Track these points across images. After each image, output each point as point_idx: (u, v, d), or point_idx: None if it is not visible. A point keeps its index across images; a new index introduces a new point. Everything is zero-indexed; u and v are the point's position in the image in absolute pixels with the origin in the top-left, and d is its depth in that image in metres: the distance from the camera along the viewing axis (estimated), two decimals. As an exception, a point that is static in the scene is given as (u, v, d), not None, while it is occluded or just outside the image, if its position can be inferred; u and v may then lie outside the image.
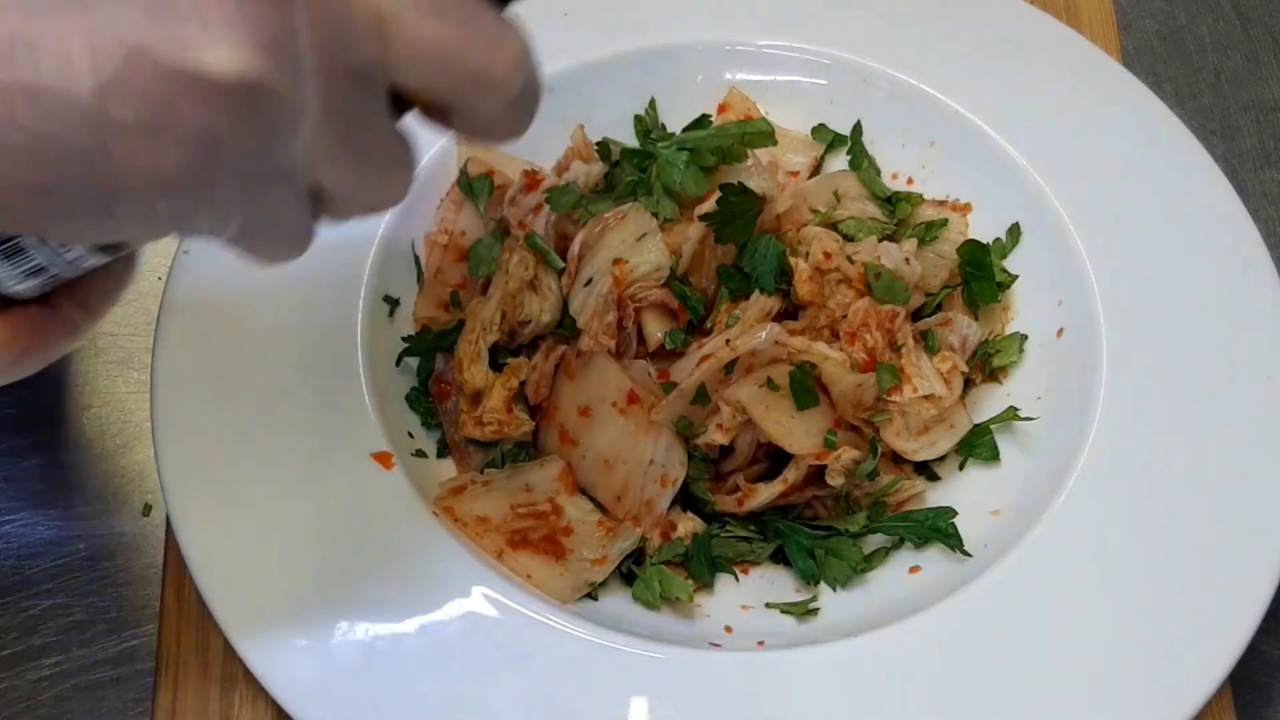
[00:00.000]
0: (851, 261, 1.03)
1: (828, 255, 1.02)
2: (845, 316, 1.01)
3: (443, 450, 1.04)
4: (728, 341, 0.98)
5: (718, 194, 1.01)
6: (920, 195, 1.15)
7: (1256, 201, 1.19)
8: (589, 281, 1.01)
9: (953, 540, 0.98)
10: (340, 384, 1.00)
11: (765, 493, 0.99)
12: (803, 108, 1.18)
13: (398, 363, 1.05)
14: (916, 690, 0.89)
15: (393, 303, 1.06)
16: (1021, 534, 0.96)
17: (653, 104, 1.18)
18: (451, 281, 1.09)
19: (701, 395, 0.99)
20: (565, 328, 1.03)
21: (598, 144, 1.13)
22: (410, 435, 1.03)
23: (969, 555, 0.98)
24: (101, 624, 0.97)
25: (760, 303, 1.01)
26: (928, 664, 0.90)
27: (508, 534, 0.96)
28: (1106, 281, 1.06)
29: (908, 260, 1.05)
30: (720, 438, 0.99)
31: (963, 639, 0.91)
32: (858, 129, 1.18)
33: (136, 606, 0.98)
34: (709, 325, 1.03)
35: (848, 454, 0.98)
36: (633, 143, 1.16)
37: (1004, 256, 1.12)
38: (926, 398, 1.01)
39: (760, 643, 0.94)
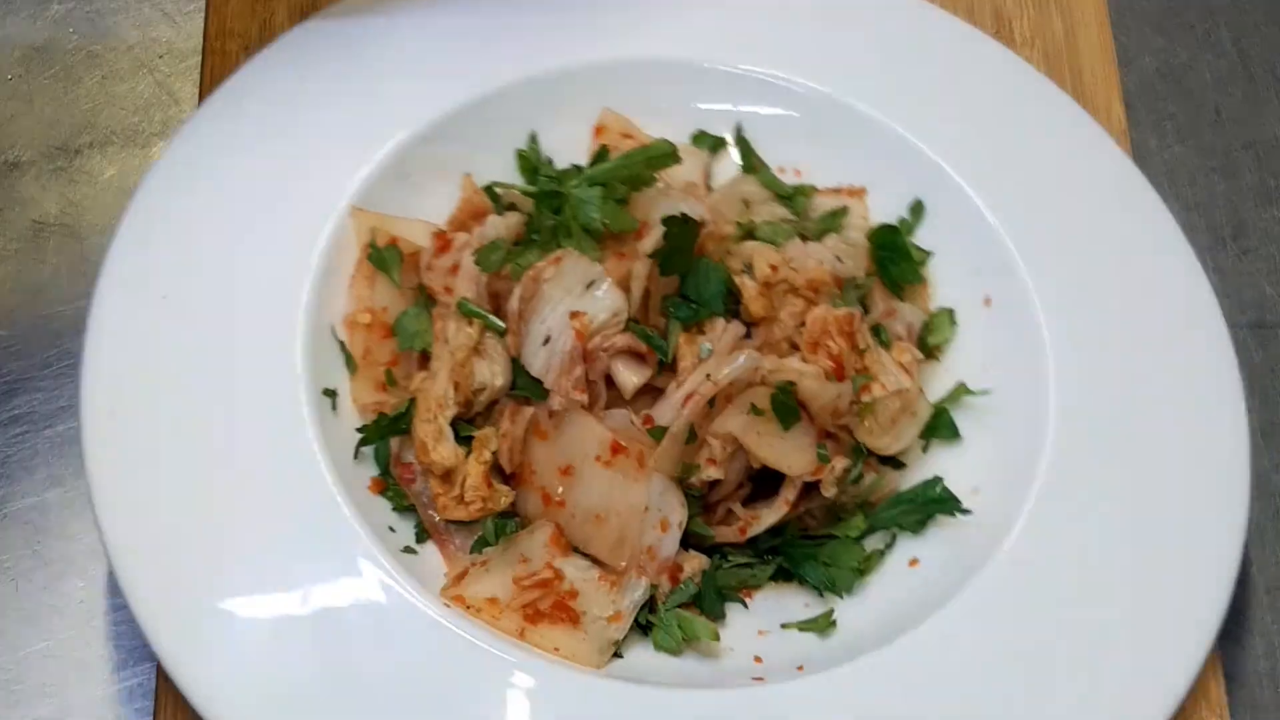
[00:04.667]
0: (795, 270, 1.03)
1: (774, 268, 1.02)
2: (802, 326, 1.01)
3: (421, 535, 1.00)
4: (708, 376, 0.97)
5: (659, 229, 1.00)
6: (813, 186, 1.15)
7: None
8: (547, 340, 0.98)
9: (950, 504, 1.00)
10: (310, 495, 0.95)
11: (769, 517, 0.99)
12: (676, 119, 1.17)
13: (355, 455, 1.01)
14: (959, 686, 0.91)
15: (332, 395, 1.02)
16: (1016, 509, 0.98)
17: (534, 138, 1.15)
18: (382, 360, 1.04)
19: (690, 436, 0.97)
20: (519, 388, 1.00)
21: (485, 189, 1.10)
22: (392, 530, 0.99)
23: (968, 511, 1.00)
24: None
25: (730, 330, 1.00)
26: (965, 656, 0.92)
27: (521, 610, 0.94)
28: (1023, 241, 1.08)
29: (840, 259, 1.06)
30: (715, 472, 0.98)
31: (992, 628, 0.93)
32: (739, 130, 1.17)
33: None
34: (672, 359, 1.01)
35: (840, 464, 0.99)
36: (517, 179, 1.13)
37: (910, 234, 1.13)
38: (896, 393, 1.01)
39: (800, 667, 0.94)
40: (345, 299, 1.05)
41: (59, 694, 0.95)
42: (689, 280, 1.01)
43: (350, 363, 1.03)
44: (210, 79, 1.21)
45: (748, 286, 1.01)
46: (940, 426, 1.06)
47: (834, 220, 1.12)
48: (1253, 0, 1.32)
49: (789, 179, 1.16)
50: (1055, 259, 1.08)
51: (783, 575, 1.02)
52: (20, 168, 1.19)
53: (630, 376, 0.99)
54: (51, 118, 1.22)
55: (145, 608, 0.87)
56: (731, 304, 1.02)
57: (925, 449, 1.06)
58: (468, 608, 0.93)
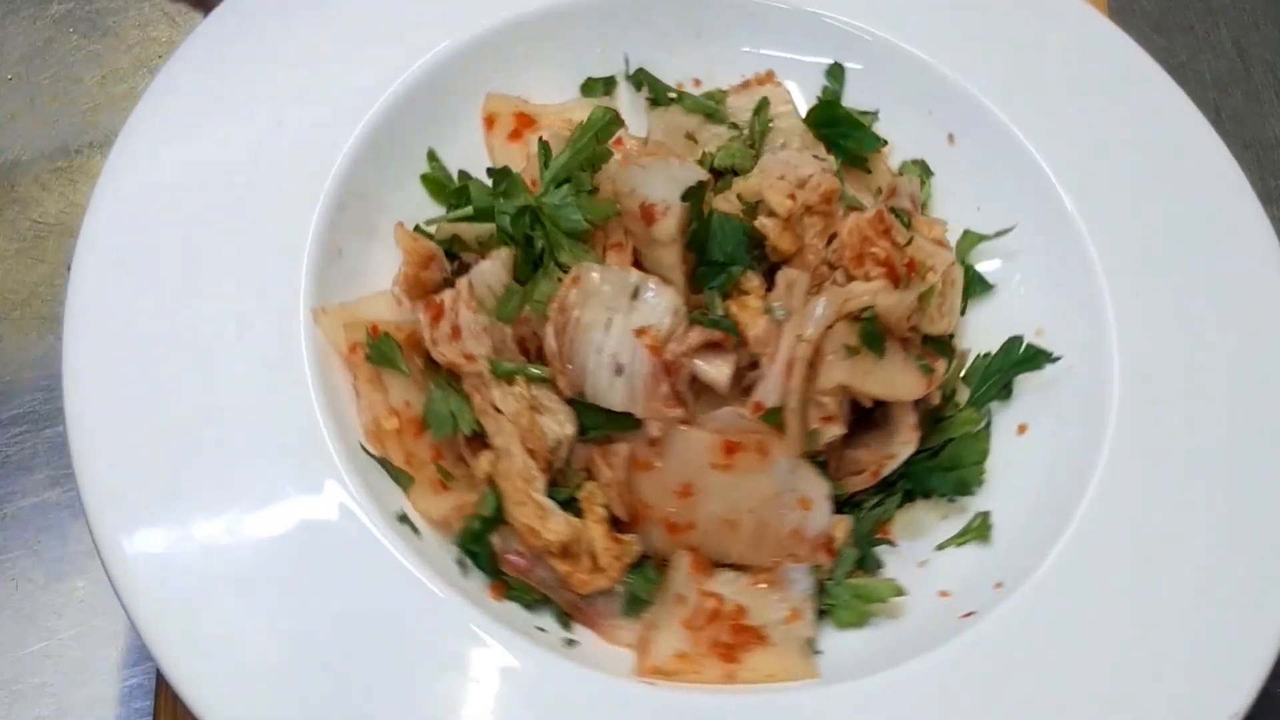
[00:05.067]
0: (806, 191, 0.96)
1: (793, 197, 0.95)
2: (830, 240, 0.96)
3: (565, 622, 0.91)
4: (799, 337, 0.90)
5: (674, 208, 0.91)
6: (720, 90, 1.09)
7: None
8: (619, 369, 0.89)
9: (1039, 357, 0.97)
10: (443, 629, 0.83)
11: (903, 450, 0.94)
12: (557, 74, 1.08)
13: (465, 572, 0.90)
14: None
15: (406, 521, 0.89)
16: (1099, 334, 0.96)
17: (432, 154, 1.04)
18: (426, 457, 0.92)
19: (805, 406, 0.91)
20: (594, 428, 0.91)
21: (416, 229, 0.99)
22: (542, 630, 0.89)
23: (1059, 357, 0.97)
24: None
25: (798, 283, 0.93)
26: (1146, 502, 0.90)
27: (713, 653, 0.87)
28: (973, 72, 1.05)
29: (818, 157, 1.00)
30: (837, 429, 0.92)
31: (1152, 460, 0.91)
32: (627, 61, 1.10)
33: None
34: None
35: (941, 368, 0.95)
36: (436, 210, 1.03)
37: (837, 99, 1.08)
38: (943, 275, 0.98)
39: (998, 584, 0.89)
40: (356, 414, 0.92)
41: (59, 694, 0.95)
42: (710, 244, 0.94)
43: (402, 478, 0.91)
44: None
45: (769, 226, 0.95)
46: (971, 283, 1.02)
47: (763, 115, 1.06)
48: (1253, 0, 1.32)
49: (690, 90, 1.10)
50: (1005, 75, 1.05)
51: (904, 497, 0.97)
52: (20, 168, 1.19)
53: (719, 371, 0.91)
54: (51, 118, 1.22)
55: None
56: (754, 249, 0.95)
57: (963, 311, 1.02)
58: (667, 674, 0.86)
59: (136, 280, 0.90)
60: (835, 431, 0.92)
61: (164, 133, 0.95)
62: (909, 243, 0.97)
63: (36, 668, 0.96)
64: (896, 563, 0.94)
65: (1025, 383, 0.99)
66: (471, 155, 1.05)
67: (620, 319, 0.90)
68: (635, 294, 0.90)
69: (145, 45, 1.26)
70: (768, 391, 0.91)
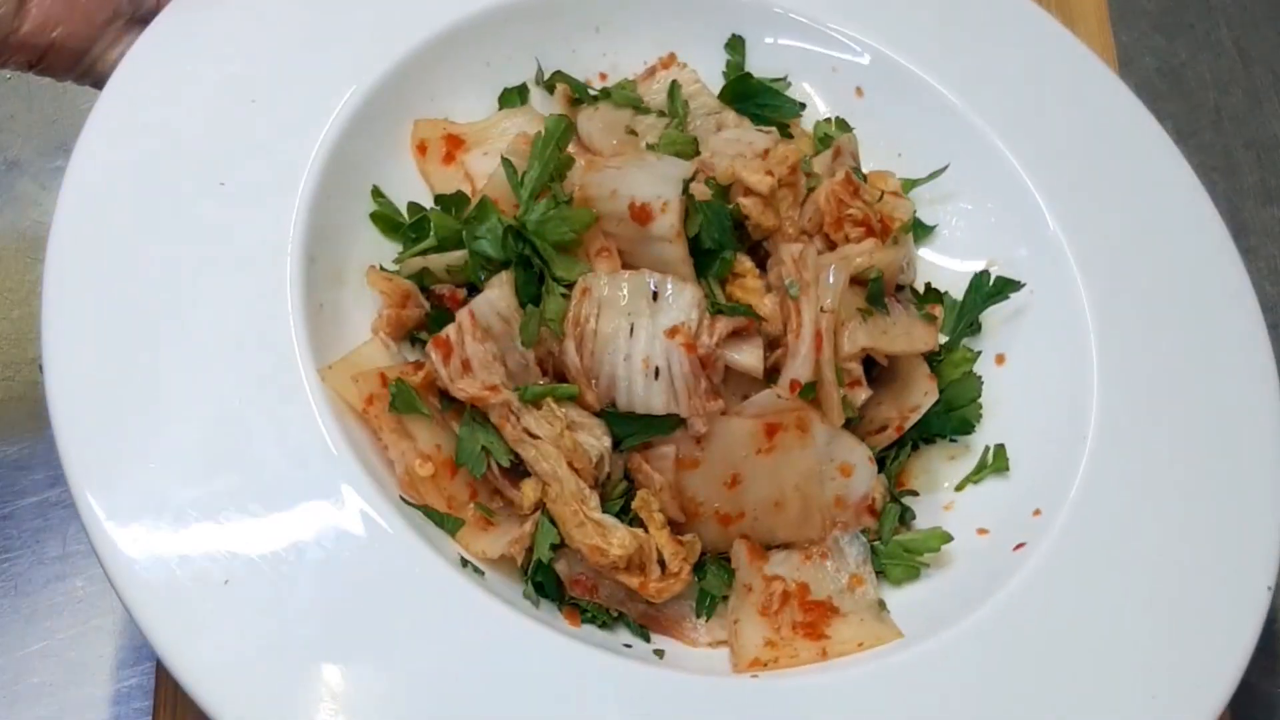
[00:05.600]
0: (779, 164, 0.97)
1: (771, 173, 0.95)
2: (803, 213, 0.97)
3: (644, 634, 0.90)
4: (822, 309, 0.91)
5: (672, 204, 0.90)
6: (627, 80, 1.09)
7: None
8: (656, 373, 0.88)
9: (1007, 286, 0.99)
10: (549, 659, 0.81)
11: (925, 401, 0.96)
12: (472, 89, 1.07)
13: (536, 604, 0.88)
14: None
15: (465, 562, 0.87)
16: (1054, 256, 1.00)
17: (377, 190, 1.00)
18: (465, 498, 0.91)
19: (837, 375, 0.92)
20: (630, 437, 0.90)
21: (384, 270, 0.97)
22: (629, 646, 0.89)
23: (1023, 284, 1.00)
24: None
25: (806, 254, 0.93)
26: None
27: (796, 632, 0.88)
28: (861, 17, 1.08)
29: (760, 129, 1.02)
30: (864, 392, 0.93)
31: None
32: (540, 67, 1.09)
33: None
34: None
35: (939, 313, 0.99)
36: (389, 248, 1.00)
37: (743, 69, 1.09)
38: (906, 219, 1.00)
39: (1036, 511, 0.92)
40: (387, 466, 0.89)
41: (59, 694, 0.95)
42: (700, 234, 0.93)
43: (449, 521, 0.88)
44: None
45: (749, 206, 0.95)
46: (915, 228, 1.04)
47: (677, 99, 1.06)
48: (1253, 0, 1.32)
49: (598, 85, 1.10)
50: (912, 29, 1.08)
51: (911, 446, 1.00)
52: (20, 167, 1.19)
53: (751, 355, 0.91)
54: (51, 117, 1.22)
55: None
56: (737, 231, 0.96)
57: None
58: (765, 665, 0.86)
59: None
60: (863, 395, 0.93)
61: (101, 200, 0.90)
62: (880, 199, 0.98)
63: (35, 667, 0.96)
64: (924, 511, 0.96)
65: (992, 315, 1.02)
66: (410, 186, 1.02)
67: (645, 322, 0.89)
68: (655, 296, 0.90)
69: (145, 45, 1.26)
70: (799, 368, 0.91)
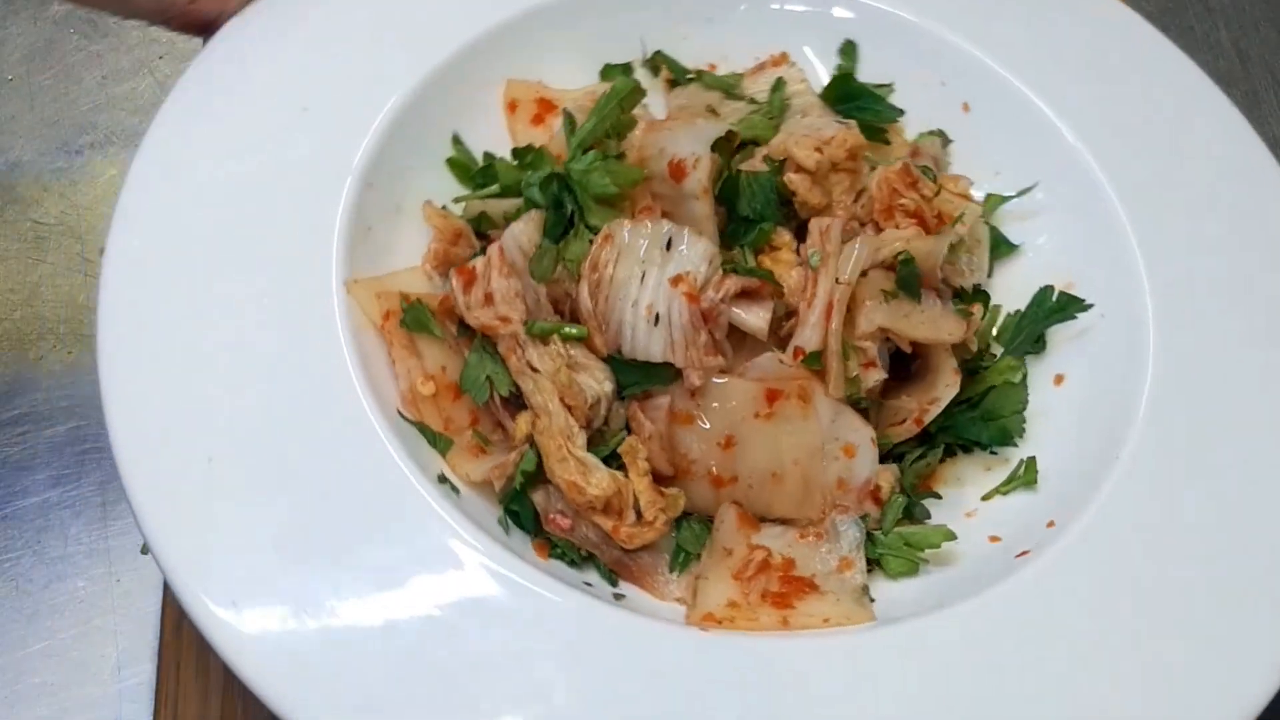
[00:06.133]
0: (834, 147, 0.97)
1: (820, 150, 0.96)
2: (858, 200, 0.97)
3: (611, 578, 0.90)
4: (837, 280, 0.90)
5: (703, 160, 0.92)
6: (735, 74, 1.10)
7: None
8: (656, 319, 0.89)
9: (1072, 305, 0.96)
10: (503, 583, 0.81)
11: (946, 393, 0.93)
12: (574, 61, 1.10)
13: (507, 530, 0.89)
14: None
15: (446, 481, 0.89)
16: (1131, 284, 0.96)
17: (457, 139, 1.05)
18: (464, 423, 0.93)
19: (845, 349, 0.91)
20: (631, 385, 0.91)
21: (442, 209, 1.01)
22: (589, 585, 0.89)
23: (1091, 304, 0.97)
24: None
25: (833, 227, 0.93)
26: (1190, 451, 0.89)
27: (764, 600, 0.86)
28: (980, 35, 1.06)
29: (840, 121, 1.01)
30: (878, 374, 0.91)
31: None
32: (644, 46, 1.11)
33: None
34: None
35: (979, 312, 0.95)
36: (459, 189, 1.04)
37: (854, 74, 1.09)
38: (970, 230, 0.99)
39: (1050, 523, 0.89)
40: (392, 380, 0.92)
41: (60, 694, 0.95)
42: (739, 201, 0.95)
43: (439, 440, 0.90)
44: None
45: (797, 182, 0.95)
46: (996, 244, 1.03)
47: (780, 94, 1.07)
48: (1253, 0, 1.33)
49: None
50: (1012, 41, 1.06)
51: (945, 451, 0.97)
52: (20, 168, 1.19)
53: (757, 316, 0.91)
54: (51, 118, 1.22)
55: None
56: (783, 206, 0.96)
57: (990, 273, 1.03)
58: (720, 622, 0.85)
59: (169, 262, 0.90)
60: (876, 376, 0.91)
61: (195, 118, 0.97)
62: (937, 194, 0.97)
63: (36, 667, 0.96)
64: (943, 514, 0.94)
65: (1059, 335, 0.99)
66: (494, 141, 1.06)
67: (655, 270, 0.90)
68: (669, 245, 0.90)
69: (145, 45, 1.26)
70: (807, 336, 0.91)
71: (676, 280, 0.89)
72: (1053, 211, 1.03)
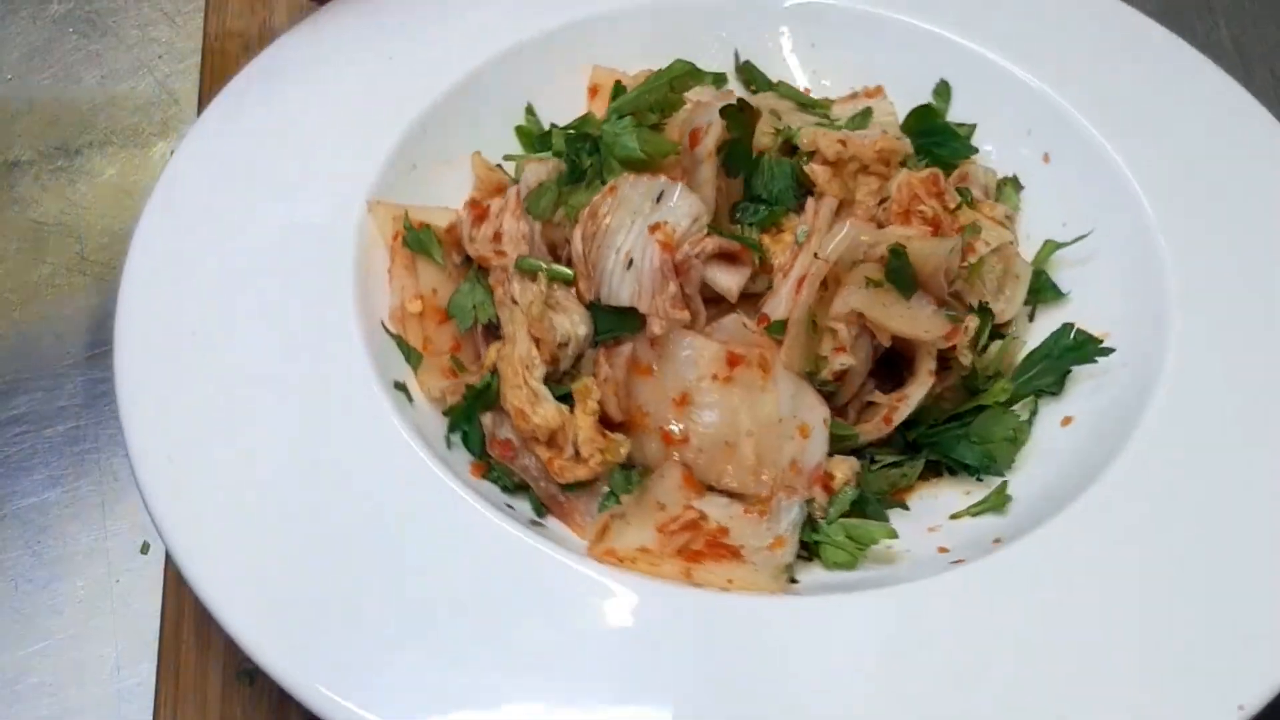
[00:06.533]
0: (862, 146, 0.98)
1: (843, 143, 0.96)
2: (883, 203, 0.96)
3: (540, 510, 0.91)
4: (815, 255, 0.90)
5: (715, 126, 0.93)
6: (828, 98, 1.11)
7: None
8: (630, 264, 0.90)
9: (1089, 346, 0.94)
10: (419, 488, 0.85)
11: (916, 394, 0.91)
12: (666, 62, 1.09)
13: (448, 444, 0.92)
14: (1147, 536, 0.84)
15: (402, 389, 0.92)
16: (1159, 343, 0.93)
17: (530, 110, 1.10)
18: (444, 347, 0.96)
19: (811, 324, 0.90)
20: (604, 332, 0.92)
21: (498, 165, 1.05)
22: (510, 507, 0.90)
23: (1111, 350, 0.94)
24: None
25: (824, 205, 0.94)
26: (1148, 506, 0.85)
27: (676, 554, 0.85)
28: (1069, 92, 1.05)
29: (888, 133, 1.02)
30: (846, 359, 0.90)
31: (1169, 470, 0.87)
32: (738, 56, 1.13)
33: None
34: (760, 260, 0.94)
35: (971, 323, 0.93)
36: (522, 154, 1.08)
37: (944, 115, 1.09)
38: (996, 250, 0.97)
39: (996, 540, 0.86)
40: (388, 293, 0.97)
41: (59, 694, 0.95)
42: (755, 180, 0.96)
43: (412, 355, 0.94)
44: (210, 79, 1.19)
45: (818, 172, 0.96)
46: (1042, 289, 1.01)
47: (863, 121, 1.08)
48: (1252, 0, 1.32)
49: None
50: (1104, 99, 1.05)
51: (930, 471, 0.95)
52: (20, 168, 1.19)
53: (730, 278, 0.91)
54: (51, 118, 1.22)
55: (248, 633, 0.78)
56: (802, 198, 0.97)
57: (1032, 317, 1.01)
58: (621, 560, 0.84)
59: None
60: (844, 361, 0.90)
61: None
62: (958, 207, 0.97)
63: (36, 668, 0.95)
64: (905, 525, 0.91)
65: (1080, 381, 0.97)
66: (570, 117, 1.10)
67: (641, 220, 0.91)
68: (660, 197, 0.92)
69: (145, 45, 1.26)
70: (775, 305, 0.91)
71: (655, 228, 0.90)
72: (1107, 268, 1.01)
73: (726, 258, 0.92)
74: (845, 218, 0.95)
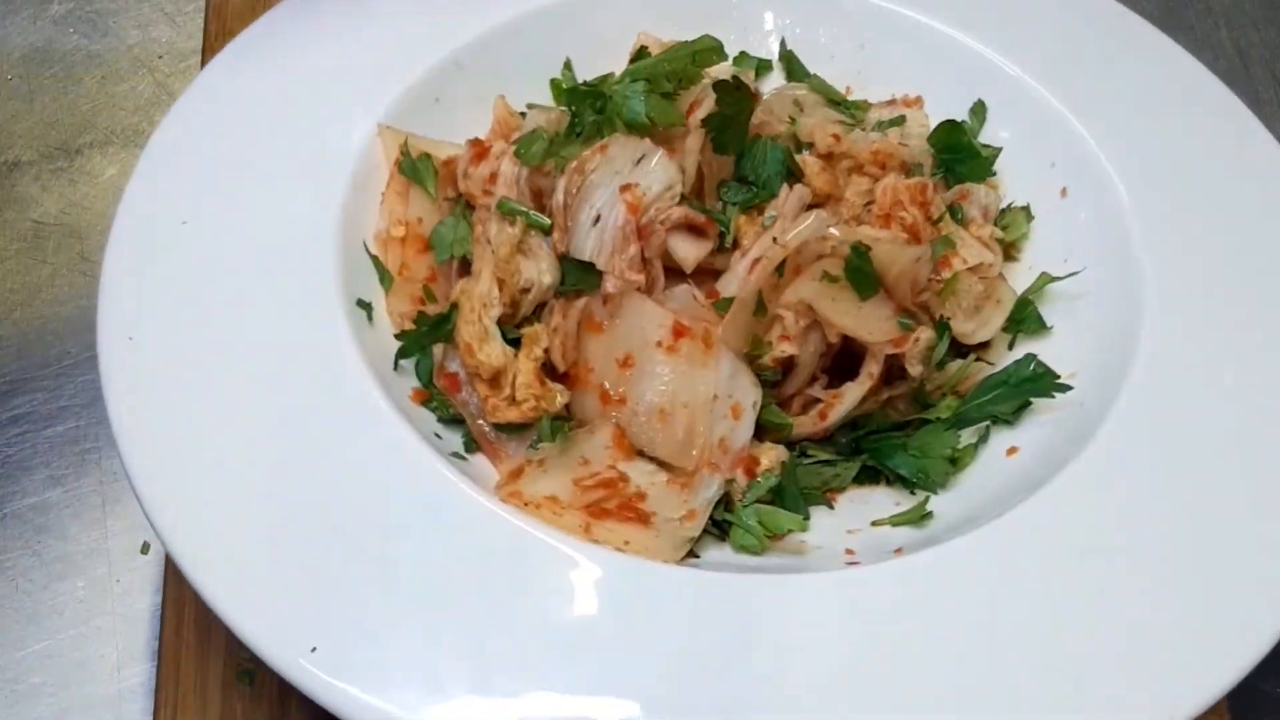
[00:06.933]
0: (858, 145, 0.98)
1: (837, 138, 0.97)
2: (869, 204, 0.96)
3: (470, 445, 0.93)
4: (774, 240, 0.90)
5: (710, 99, 0.94)
6: (866, 100, 1.11)
7: None
8: (597, 220, 0.91)
9: (1045, 381, 0.92)
10: (351, 402, 0.87)
11: (852, 393, 0.91)
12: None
13: (395, 366, 0.94)
14: (1053, 570, 0.82)
15: (367, 307, 0.94)
16: (1117, 388, 0.91)
17: (568, 64, 1.11)
18: (420, 276, 0.99)
19: (759, 308, 0.90)
20: (568, 284, 0.93)
21: (522, 113, 1.06)
22: (439, 436, 0.91)
23: (1068, 387, 0.93)
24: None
25: (795, 194, 0.93)
26: (1064, 541, 0.83)
27: (584, 509, 0.86)
28: (1103, 131, 1.04)
29: (904, 144, 1.02)
30: (789, 348, 0.90)
31: (1090, 514, 0.84)
32: (784, 44, 1.14)
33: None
34: (732, 240, 0.95)
35: (925, 335, 0.91)
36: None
37: (976, 135, 1.09)
38: (974, 269, 0.96)
39: (898, 550, 0.85)
40: (376, 217, 1.00)
41: (59, 694, 0.95)
42: (745, 161, 0.96)
43: (385, 278, 0.97)
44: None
45: (809, 162, 0.96)
46: (1026, 318, 1.00)
47: (895, 128, 1.08)
48: (1253, 1, 1.32)
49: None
50: (1133, 145, 1.04)
51: (868, 477, 0.94)
52: (20, 168, 1.19)
53: (690, 249, 0.92)
54: (51, 118, 1.22)
55: (185, 557, 0.78)
56: (791, 183, 0.96)
57: (1012, 345, 1.00)
58: (525, 504, 0.85)
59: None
60: (786, 349, 0.91)
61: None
62: (940, 219, 0.97)
63: (36, 668, 0.95)
64: (828, 525, 0.91)
65: (1038, 414, 0.96)
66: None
67: (618, 180, 0.92)
68: (640, 161, 0.93)
69: (145, 45, 1.26)
70: (728, 283, 0.92)
71: (625, 188, 0.91)
72: (1093, 310, 1.00)
73: (692, 229, 0.93)
74: (831, 212, 0.95)
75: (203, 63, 1.21)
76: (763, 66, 1.13)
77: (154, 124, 1.20)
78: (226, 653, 0.93)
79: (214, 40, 1.22)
